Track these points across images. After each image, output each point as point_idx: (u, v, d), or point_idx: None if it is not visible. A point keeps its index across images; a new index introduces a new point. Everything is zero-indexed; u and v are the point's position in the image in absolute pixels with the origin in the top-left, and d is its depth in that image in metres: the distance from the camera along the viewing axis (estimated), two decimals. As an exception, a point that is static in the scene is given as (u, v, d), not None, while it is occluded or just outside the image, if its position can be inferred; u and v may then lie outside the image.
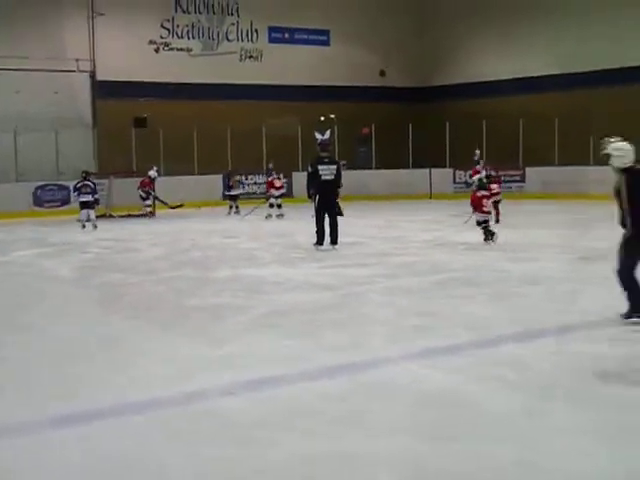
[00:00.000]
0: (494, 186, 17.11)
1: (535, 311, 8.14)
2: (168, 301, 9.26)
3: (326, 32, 30.68)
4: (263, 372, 6.02)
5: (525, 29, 28.92)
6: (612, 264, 10.49)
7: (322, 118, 29.42)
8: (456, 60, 31.21)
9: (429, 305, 8.51)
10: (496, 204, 17.15)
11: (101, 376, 6.08)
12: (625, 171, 7.60)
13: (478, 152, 20.90)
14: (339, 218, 13.56)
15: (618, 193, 7.46)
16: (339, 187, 13.62)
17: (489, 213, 14.20)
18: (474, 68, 30.51)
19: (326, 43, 30.70)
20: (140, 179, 22.85)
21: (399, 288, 9.64)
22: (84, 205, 19.07)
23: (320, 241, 13.51)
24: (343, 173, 13.96)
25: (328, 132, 14.00)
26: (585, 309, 8.19)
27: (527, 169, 27.20)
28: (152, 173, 22.71)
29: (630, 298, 7.27)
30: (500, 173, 27.48)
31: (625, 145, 7.88)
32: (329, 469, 4.27)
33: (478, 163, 19.71)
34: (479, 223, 13.91)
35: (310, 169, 13.71)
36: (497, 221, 16.98)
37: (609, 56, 26.38)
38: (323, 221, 13.54)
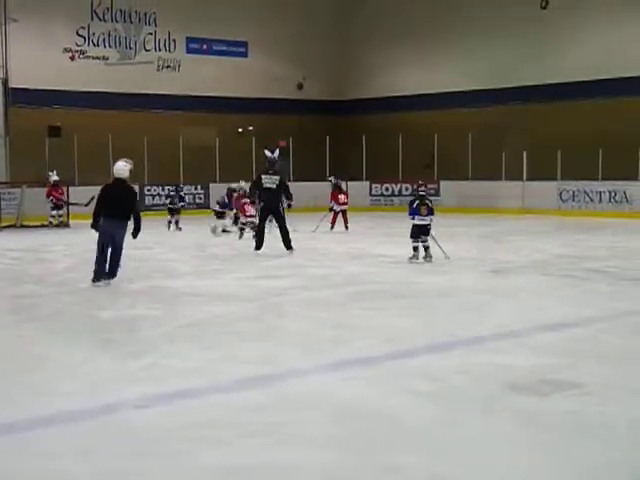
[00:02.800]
0: (341, 197, 19.68)
1: (448, 323, 8.28)
2: (81, 313, 9.10)
3: (244, 44, 30.71)
4: (177, 384, 5.97)
5: (441, 45, 29.48)
6: (523, 277, 10.81)
7: (240, 130, 29.42)
8: (373, 74, 31.58)
9: (344, 317, 8.57)
10: (344, 213, 19.57)
11: (7, 389, 5.93)
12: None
13: None
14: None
15: None
16: (289, 199, 14.90)
17: (253, 216, 16.88)
18: (391, 82, 30.93)
19: (244, 55, 30.72)
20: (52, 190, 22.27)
21: (314, 300, 9.69)
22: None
23: (258, 246, 14.45)
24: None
25: (277, 151, 14.94)
26: (496, 321, 8.38)
27: (442, 183, 27.67)
28: (53, 178, 22.17)
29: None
30: (415, 187, 28.10)
31: (119, 165, 11.07)
32: (242, 481, 4.27)
33: None
34: (243, 224, 17.43)
35: (255, 179, 14.97)
36: (346, 228, 19.24)
37: (522, 73, 27.11)
38: (264, 227, 14.64)
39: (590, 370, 6.29)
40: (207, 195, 27.35)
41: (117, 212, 10.76)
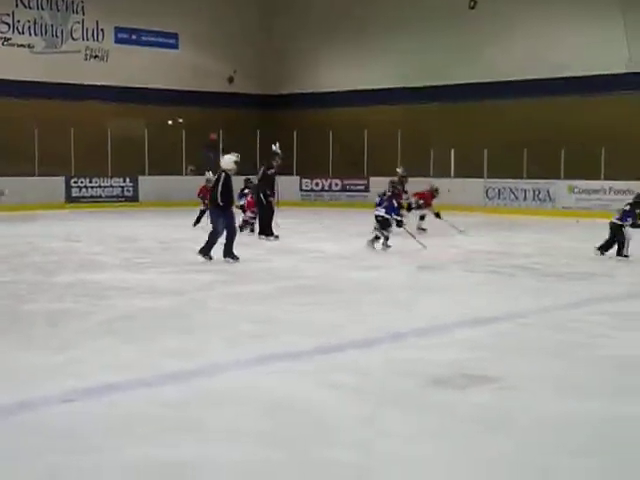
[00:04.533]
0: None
1: (375, 318, 8.34)
2: (3, 306, 8.90)
3: (174, 35, 30.32)
4: (101, 379, 5.88)
5: (371, 42, 29.56)
6: (450, 273, 10.94)
7: (170, 122, 29.12)
8: (304, 70, 31.56)
9: (270, 312, 8.56)
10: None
11: None
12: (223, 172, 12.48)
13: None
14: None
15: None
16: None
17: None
18: (322, 78, 30.97)
19: (174, 46, 30.33)
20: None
21: (241, 294, 9.66)
22: None
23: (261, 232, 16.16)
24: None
25: (277, 145, 17.03)
26: (423, 316, 8.49)
27: (371, 179, 27.81)
28: None
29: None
30: (345, 182, 28.27)
31: (225, 157, 12.79)
32: (165, 476, 4.23)
33: None
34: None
35: None
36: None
37: (451, 72, 27.39)
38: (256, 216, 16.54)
39: (512, 364, 6.42)
40: (136, 188, 26.99)
41: (212, 199, 12.52)
